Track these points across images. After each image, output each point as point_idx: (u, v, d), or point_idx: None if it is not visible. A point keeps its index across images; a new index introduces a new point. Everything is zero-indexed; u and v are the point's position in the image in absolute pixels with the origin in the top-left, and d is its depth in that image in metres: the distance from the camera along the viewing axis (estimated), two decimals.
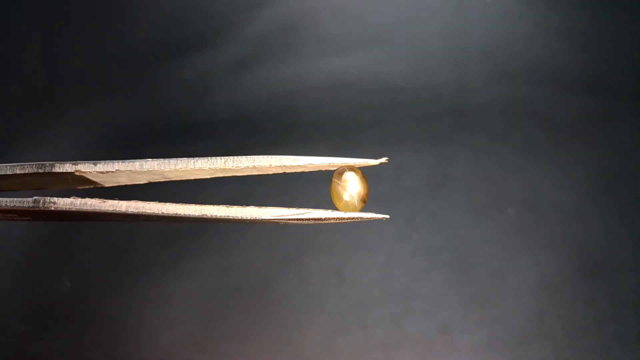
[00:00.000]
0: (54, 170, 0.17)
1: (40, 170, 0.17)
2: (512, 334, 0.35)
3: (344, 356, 0.36)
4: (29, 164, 0.17)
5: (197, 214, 0.16)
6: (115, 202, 0.16)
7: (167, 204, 0.16)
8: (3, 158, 0.43)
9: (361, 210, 0.17)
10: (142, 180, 0.18)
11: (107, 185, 0.18)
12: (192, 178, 0.18)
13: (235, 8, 0.47)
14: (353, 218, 0.16)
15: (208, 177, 0.17)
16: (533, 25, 0.46)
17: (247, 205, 0.16)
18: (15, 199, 0.17)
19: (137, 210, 0.16)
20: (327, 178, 0.17)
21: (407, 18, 0.47)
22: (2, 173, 0.17)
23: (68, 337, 0.37)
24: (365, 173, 0.17)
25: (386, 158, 0.16)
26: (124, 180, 0.18)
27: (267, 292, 0.38)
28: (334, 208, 0.17)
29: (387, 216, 0.16)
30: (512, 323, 0.36)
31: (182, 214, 0.16)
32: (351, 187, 0.17)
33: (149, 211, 0.16)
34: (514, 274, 0.37)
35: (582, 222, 0.39)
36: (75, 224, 0.40)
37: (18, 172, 0.17)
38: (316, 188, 0.34)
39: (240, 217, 0.16)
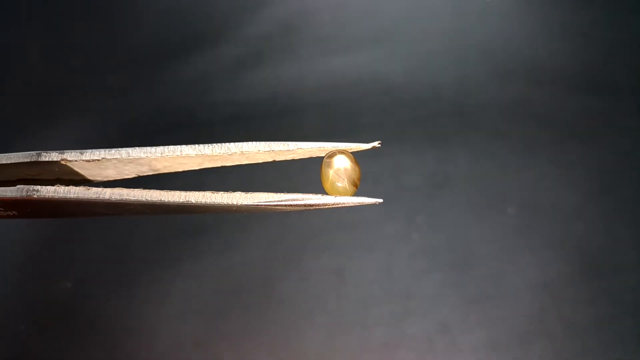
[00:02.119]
0: (40, 159, 0.17)
1: (27, 160, 0.17)
2: (512, 334, 0.35)
3: (344, 356, 0.36)
4: (15, 154, 0.17)
5: (181, 200, 0.16)
6: (99, 189, 0.16)
7: (152, 191, 0.16)
8: None
9: (353, 195, 0.16)
10: (130, 174, 0.17)
11: (96, 179, 0.18)
12: (180, 170, 0.17)
13: (235, 8, 0.47)
14: (344, 203, 0.16)
15: (196, 167, 0.17)
16: (533, 25, 0.46)
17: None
18: None
19: (120, 197, 0.16)
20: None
21: (407, 18, 0.47)
22: None
23: (68, 337, 0.37)
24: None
25: (379, 142, 0.16)
26: (111, 174, 0.17)
27: (268, 292, 0.38)
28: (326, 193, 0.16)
29: (380, 200, 0.15)
30: (512, 323, 0.36)
31: (167, 200, 0.16)
32: (342, 171, 0.16)
33: (133, 198, 0.16)
34: (514, 274, 0.37)
35: (582, 222, 0.39)
36: (75, 224, 0.40)
37: (4, 162, 0.17)
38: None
39: (226, 203, 0.16)
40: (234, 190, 0.15)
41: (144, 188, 0.16)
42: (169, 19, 0.48)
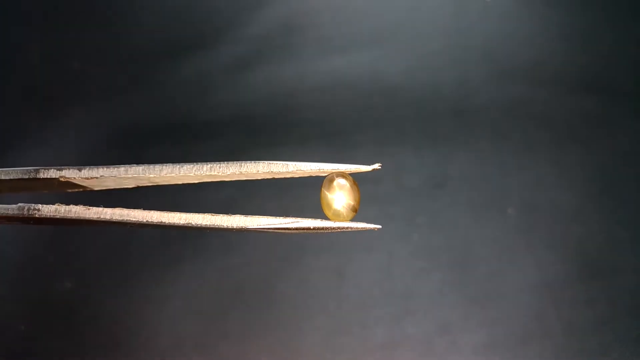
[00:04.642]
0: (38, 176, 0.17)
1: (25, 177, 0.17)
2: (512, 334, 0.35)
3: (344, 356, 0.36)
4: (13, 170, 0.17)
5: (182, 222, 0.16)
6: (100, 209, 0.16)
7: (152, 212, 0.16)
8: (3, 158, 0.43)
9: (353, 219, 0.16)
10: (129, 184, 0.17)
11: (95, 189, 0.18)
12: (180, 183, 0.17)
13: (235, 8, 0.47)
14: (343, 228, 0.16)
15: (196, 181, 0.17)
16: (533, 25, 0.46)
17: (244, 212, 0.16)
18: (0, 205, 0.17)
19: (121, 218, 0.16)
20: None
21: (407, 18, 0.47)
22: None
23: (68, 337, 0.37)
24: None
25: (379, 164, 0.16)
26: (111, 184, 0.18)
27: (268, 292, 0.38)
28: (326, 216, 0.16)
29: (379, 226, 0.16)
30: (512, 323, 0.36)
31: (167, 222, 0.16)
32: (341, 196, 0.16)
33: (134, 219, 0.16)
34: (514, 274, 0.37)
35: (582, 222, 0.39)
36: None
37: (3, 177, 0.17)
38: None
39: (226, 226, 0.16)
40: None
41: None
42: (169, 18, 0.48)
